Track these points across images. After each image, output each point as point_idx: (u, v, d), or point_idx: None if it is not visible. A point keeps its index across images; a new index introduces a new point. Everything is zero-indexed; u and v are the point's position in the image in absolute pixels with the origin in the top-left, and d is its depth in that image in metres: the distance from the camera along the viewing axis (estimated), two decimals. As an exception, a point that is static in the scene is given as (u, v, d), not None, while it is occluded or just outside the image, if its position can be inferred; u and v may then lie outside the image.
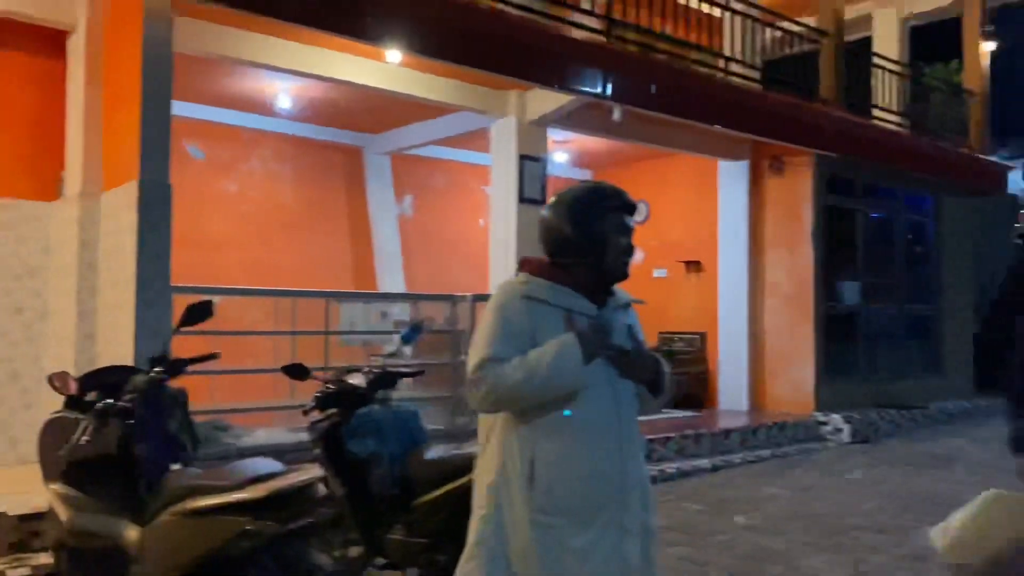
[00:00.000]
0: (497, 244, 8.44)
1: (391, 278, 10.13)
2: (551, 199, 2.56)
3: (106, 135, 6.12)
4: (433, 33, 6.52)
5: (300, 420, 4.46)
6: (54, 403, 3.57)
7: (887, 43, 12.09)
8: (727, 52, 9.23)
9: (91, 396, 3.43)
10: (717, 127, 9.18)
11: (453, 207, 11.28)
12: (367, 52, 7.08)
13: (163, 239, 5.38)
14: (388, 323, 7.15)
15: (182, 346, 4.23)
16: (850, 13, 11.25)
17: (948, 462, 8.37)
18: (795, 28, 9.98)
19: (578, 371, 2.28)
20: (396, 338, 4.80)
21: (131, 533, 3.13)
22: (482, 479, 2.43)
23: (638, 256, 11.74)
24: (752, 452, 8.65)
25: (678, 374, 10.48)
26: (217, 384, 6.89)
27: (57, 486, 3.39)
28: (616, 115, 7.98)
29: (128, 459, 3.32)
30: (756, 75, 9.60)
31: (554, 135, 9.34)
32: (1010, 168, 14.10)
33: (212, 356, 3.83)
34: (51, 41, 6.51)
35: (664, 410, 10.00)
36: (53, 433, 3.35)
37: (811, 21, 10.21)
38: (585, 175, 12.51)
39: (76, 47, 6.36)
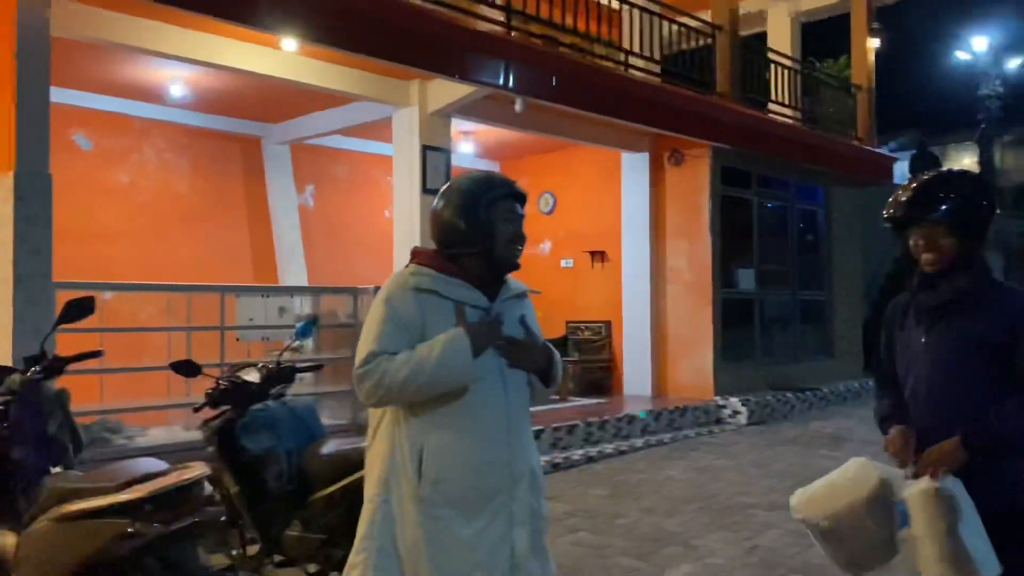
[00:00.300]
0: (401, 235, 8.38)
1: (293, 271, 9.95)
2: (441, 189, 2.53)
3: (-22, 123, 5.79)
4: (329, 21, 6.42)
5: (197, 418, 4.34)
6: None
7: (780, 39, 12.52)
8: (627, 46, 9.38)
9: (-40, 399, 3.26)
10: (618, 119, 9.34)
11: (356, 198, 11.14)
12: (262, 40, 6.91)
13: (43, 233, 5.13)
14: (289, 318, 7.02)
15: (72, 345, 4.07)
16: (744, 9, 11.61)
17: (838, 441, 8.77)
18: (692, 23, 10.22)
19: (467, 366, 2.27)
20: (293, 333, 4.72)
21: (7, 540, 3.00)
22: (371, 471, 2.42)
23: (545, 246, 11.98)
24: (654, 436, 8.87)
25: (585, 362, 10.72)
26: (109, 383, 6.64)
27: (-75, 493, 3.21)
28: (518, 107, 8.02)
29: (3, 463, 3.18)
30: (656, 69, 9.80)
31: (459, 125, 9.33)
32: (895, 160, 14.83)
33: (95, 354, 3.69)
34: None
35: (571, 398, 10.17)
36: (-81, 439, 3.17)
37: (707, 16, 10.48)
38: (491, 166, 12.53)
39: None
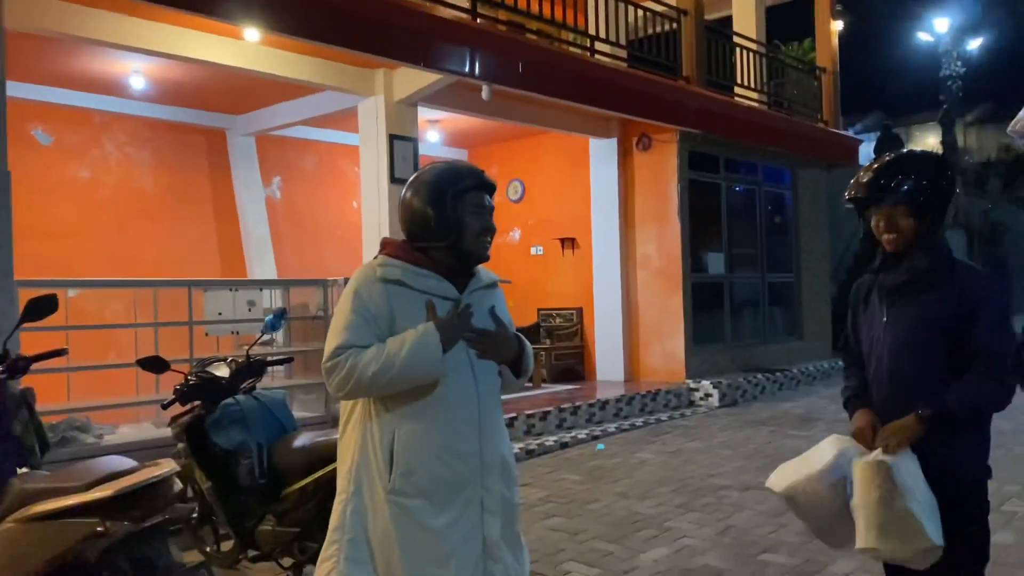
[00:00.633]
0: (370, 226, 8.34)
1: (261, 264, 9.86)
2: (409, 179, 2.50)
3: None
4: (292, 10, 6.34)
5: (168, 415, 4.30)
6: None
7: (746, 23, 12.57)
8: (592, 31, 9.38)
9: (-80, 401, 3.20)
10: (585, 105, 9.34)
11: (324, 189, 11.06)
12: (224, 30, 6.82)
13: (3, 230, 5.02)
14: (258, 311, 6.95)
15: (36, 343, 4.00)
16: (709, -8, 11.64)
17: (808, 421, 8.89)
18: (657, 7, 10.23)
19: (436, 362, 2.27)
20: (261, 326, 4.68)
21: (-27, 544, 2.95)
22: (343, 463, 2.41)
23: (514, 234, 11.97)
24: (627, 421, 8.93)
25: (557, 349, 10.74)
26: (76, 381, 6.55)
27: None
28: (485, 94, 7.99)
29: (-33, 465, 3.13)
30: (622, 54, 9.81)
31: (425, 114, 9.28)
32: (861, 142, 15.00)
33: (59, 352, 3.63)
34: None
35: (544, 385, 10.21)
36: None
37: (673, 1, 10.50)
38: (459, 154, 12.50)
39: None
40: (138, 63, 7.62)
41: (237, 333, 7.10)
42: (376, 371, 2.23)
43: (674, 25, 10.46)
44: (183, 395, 4.07)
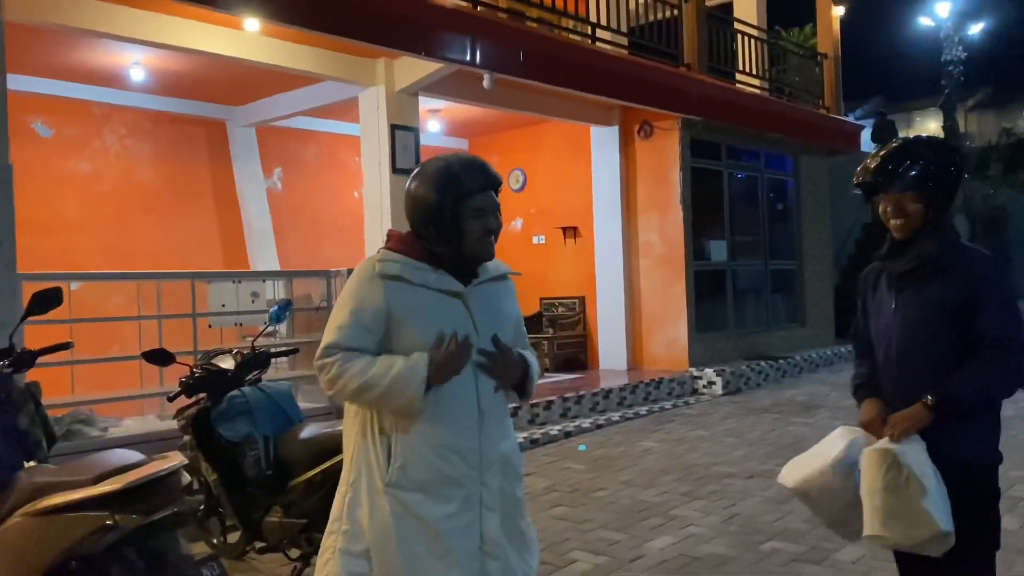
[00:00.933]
0: (372, 216, 8.32)
1: (263, 256, 9.84)
2: (414, 171, 2.45)
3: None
4: (292, 0, 6.30)
5: (173, 407, 4.30)
6: None
7: (746, 9, 12.52)
8: (593, 18, 9.33)
9: (-74, 396, 3.20)
10: (587, 93, 9.31)
11: (325, 180, 11.03)
12: (223, 21, 6.78)
13: (5, 224, 5.02)
14: (261, 303, 6.94)
15: (40, 337, 3.99)
16: (710, -21, 11.58)
17: (811, 408, 8.89)
18: (658, -6, 10.19)
19: (414, 400, 2.21)
20: (266, 318, 4.67)
21: (-18, 537, 2.95)
22: (346, 452, 2.41)
23: (516, 224, 11.95)
24: (630, 409, 8.93)
25: (559, 338, 10.73)
26: (80, 375, 6.54)
27: None
28: (486, 83, 7.95)
29: (-26, 460, 3.13)
30: (623, 41, 9.76)
31: (426, 104, 9.25)
32: (862, 128, 14.97)
33: (64, 346, 3.62)
34: None
35: (547, 374, 10.21)
36: None
37: (673, -13, 10.45)
38: (459, 144, 12.47)
39: None
40: (138, 54, 7.58)
41: (240, 325, 7.10)
42: (357, 387, 2.22)
43: (675, 12, 10.42)
44: (189, 387, 4.07)
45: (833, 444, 2.64)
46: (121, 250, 8.84)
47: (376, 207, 8.24)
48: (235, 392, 4.07)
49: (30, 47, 7.06)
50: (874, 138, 17.13)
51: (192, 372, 4.13)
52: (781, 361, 11.31)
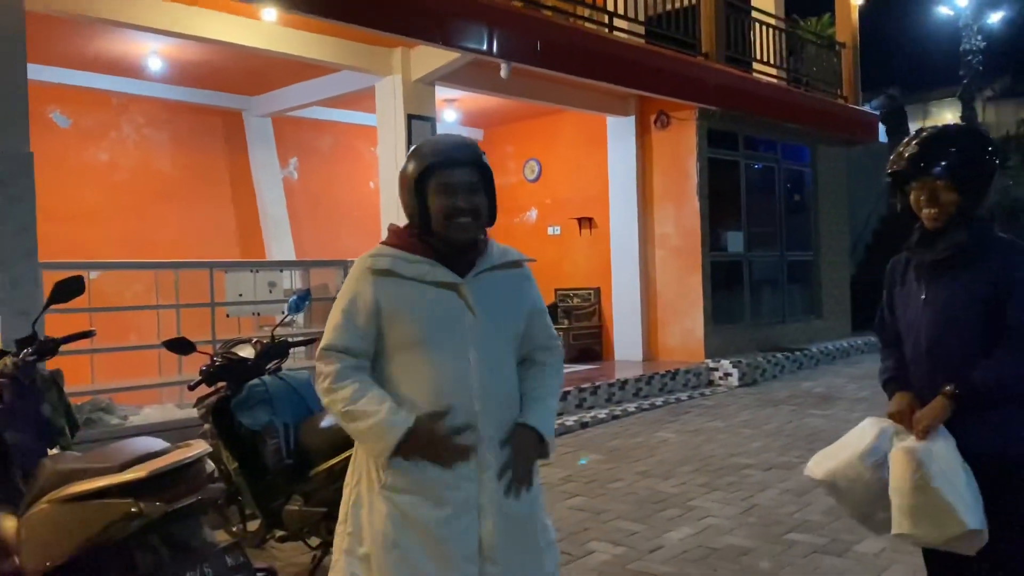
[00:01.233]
0: (388, 206, 8.31)
1: (279, 245, 9.86)
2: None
3: (-45, 102, 5.65)
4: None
5: (191, 396, 4.32)
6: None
7: (763, -3, 12.42)
8: (610, 7, 9.27)
9: (-48, 383, 3.22)
10: (603, 83, 9.26)
11: (341, 170, 11.03)
12: (241, 10, 6.78)
13: (27, 212, 5.04)
14: (278, 292, 6.96)
15: (60, 325, 4.01)
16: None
17: (828, 400, 8.84)
18: (675, -17, 10.11)
19: (381, 454, 2.17)
20: (285, 307, 4.68)
21: (7, 523, 2.98)
22: (353, 451, 2.39)
23: (531, 214, 11.93)
24: (646, 400, 8.91)
25: (575, 329, 10.72)
26: (99, 363, 6.59)
27: (-80, 480, 3.18)
28: (504, 72, 7.92)
29: (0, 446, 3.15)
30: (640, 30, 9.70)
31: (442, 93, 9.23)
32: (879, 117, 14.82)
33: (87, 334, 3.65)
34: None
35: (563, 365, 10.18)
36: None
37: (690, -24, 10.37)
38: (475, 134, 12.43)
39: (-85, 6, 5.83)
40: (156, 44, 7.59)
41: (258, 314, 7.13)
42: (341, 412, 2.21)
43: (693, 0, 10.33)
44: (209, 376, 4.08)
45: (861, 435, 2.61)
46: (138, 239, 8.87)
47: (392, 197, 8.22)
48: (255, 381, 4.08)
49: (49, 37, 7.08)
50: (888, 131, 16.97)
51: (213, 361, 4.14)
52: (797, 353, 11.25)
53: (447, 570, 2.16)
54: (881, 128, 13.92)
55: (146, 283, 7.69)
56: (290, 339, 4.61)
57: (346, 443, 3.68)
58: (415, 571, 2.16)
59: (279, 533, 4.07)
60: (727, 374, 10.02)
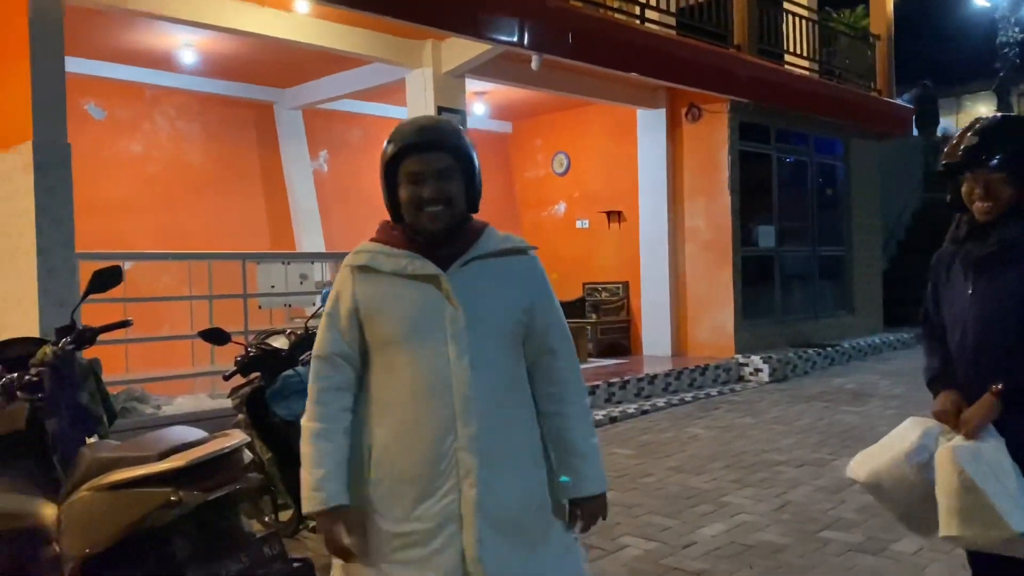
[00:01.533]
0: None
1: (309, 237, 9.91)
2: None
3: (-6, 94, 5.73)
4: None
5: (222, 386, 4.35)
6: (-46, 380, 3.36)
7: (796, -11, 12.27)
8: (642, -1, 9.21)
9: (-6, 371, 3.25)
10: (634, 75, 9.19)
11: (371, 163, 10.95)
12: (274, 2, 6.81)
13: (64, 203, 5.11)
14: (309, 284, 6.99)
15: (94, 315, 4.05)
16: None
17: (861, 396, 8.73)
18: (708, -26, 10.02)
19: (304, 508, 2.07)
20: (318, 299, 4.70)
21: (47, 511, 3.01)
22: None
23: (559, 208, 11.89)
24: (675, 395, 8.86)
25: (603, 324, 10.67)
26: (133, 353, 6.66)
27: (-37, 467, 3.22)
28: (535, 64, 7.89)
29: (39, 435, 3.19)
30: (672, 22, 9.62)
31: (471, 86, 9.20)
32: (913, 111, 14.60)
33: (124, 323, 3.67)
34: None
35: (590, 359, 10.16)
36: (-45, 411, 3.17)
37: (723, -33, 10.26)
38: (503, 127, 12.43)
39: (-45, 0, 5.92)
40: (189, 36, 7.64)
41: (289, 306, 7.16)
42: (301, 432, 2.15)
43: (725, -9, 10.24)
44: (244, 366, 4.10)
45: (905, 435, 2.55)
46: (170, 230, 8.95)
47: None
48: (289, 372, 4.09)
49: (85, 29, 7.14)
50: (919, 125, 16.73)
51: (247, 352, 4.16)
52: (829, 349, 11.13)
53: None
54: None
55: (178, 274, 7.76)
56: (323, 330, 4.62)
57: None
58: None
59: (311, 524, 4.08)
60: (757, 370, 9.93)
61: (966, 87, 29.92)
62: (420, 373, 2.00)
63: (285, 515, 4.31)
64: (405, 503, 2.00)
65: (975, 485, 2.27)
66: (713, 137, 10.36)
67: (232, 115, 9.80)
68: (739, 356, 10.10)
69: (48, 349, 3.25)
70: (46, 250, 5.03)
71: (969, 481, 2.28)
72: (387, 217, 2.22)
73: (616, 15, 9.08)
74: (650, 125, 10.74)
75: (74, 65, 7.53)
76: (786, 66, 11.22)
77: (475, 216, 2.18)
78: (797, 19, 11.49)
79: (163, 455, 2.72)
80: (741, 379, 9.97)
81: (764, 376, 9.86)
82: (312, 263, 7.19)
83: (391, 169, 2.09)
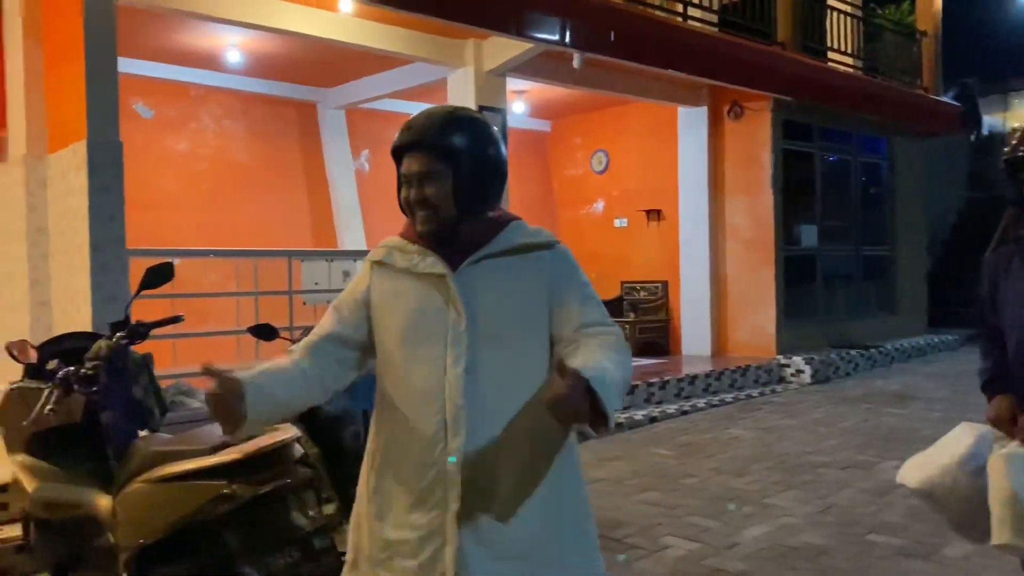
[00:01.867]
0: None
1: (351, 235, 10.00)
2: None
3: (49, 94, 5.87)
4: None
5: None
6: (12, 373, 3.46)
7: (841, -15, 12.08)
8: (685, -4, 9.15)
9: (52, 364, 3.33)
10: (676, 72, 9.13)
11: (411, 161, 11.09)
12: (319, 2, 6.88)
13: (116, 200, 5.21)
14: (352, 281, 7.06)
15: (143, 310, 4.13)
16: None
17: (904, 399, 8.59)
18: (751, -29, 9.92)
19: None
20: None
21: (101, 501, 3.07)
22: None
23: (598, 206, 11.85)
24: (716, 396, 8.79)
25: (641, 323, 10.62)
26: (179, 348, 6.77)
27: (21, 457, 3.31)
28: (577, 62, 7.88)
29: (94, 427, 3.26)
30: (714, 19, 9.54)
31: (512, 85, 9.21)
32: (960, 109, 14.29)
33: (176, 319, 3.73)
34: (-16, -4, 6.22)
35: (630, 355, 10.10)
36: (14, 403, 3.26)
37: (767, -37, 10.15)
38: (543, 125, 12.43)
39: (12, 1, 6.07)
40: (235, 37, 7.75)
41: (331, 303, 7.22)
42: None
43: (768, -12, 10.13)
44: (291, 362, 4.13)
45: (957, 441, 2.51)
46: (215, 227, 9.09)
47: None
48: (335, 367, 4.12)
49: (134, 30, 7.28)
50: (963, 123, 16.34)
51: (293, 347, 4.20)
52: (872, 350, 10.96)
53: None
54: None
55: (224, 270, 7.88)
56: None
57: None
58: None
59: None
60: (799, 371, 9.82)
61: (1013, 84, 29.23)
62: (416, 376, 1.90)
63: (329, 509, 4.35)
64: (399, 509, 1.92)
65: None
66: (755, 135, 10.26)
67: (276, 114, 9.92)
68: (780, 357, 9.99)
69: (103, 344, 3.32)
70: (99, 246, 5.14)
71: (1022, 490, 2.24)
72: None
73: (657, 13, 9.02)
74: (691, 123, 10.66)
75: (123, 65, 7.67)
76: (829, 63, 11.06)
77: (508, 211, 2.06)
78: (841, 15, 11.33)
79: (216, 449, 2.77)
80: (782, 380, 9.86)
81: (806, 377, 9.75)
82: (355, 261, 7.25)
83: (397, 165, 2.02)
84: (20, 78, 5.94)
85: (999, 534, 2.31)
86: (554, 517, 1.89)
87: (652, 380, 8.45)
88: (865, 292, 12.14)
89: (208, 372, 1.80)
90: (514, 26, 7.22)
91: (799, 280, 10.78)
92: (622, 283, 11.41)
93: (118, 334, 3.39)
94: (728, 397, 8.78)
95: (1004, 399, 2.47)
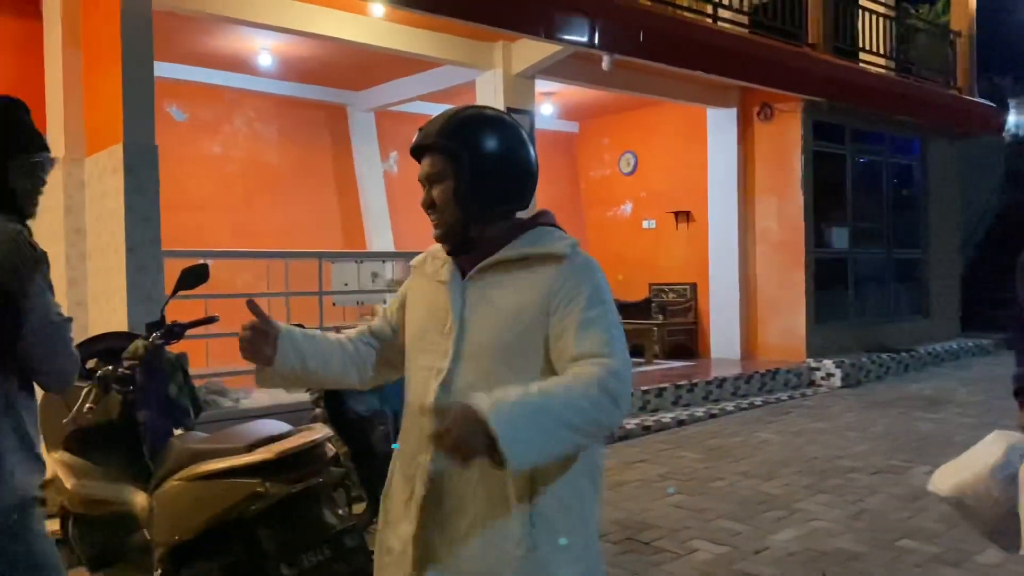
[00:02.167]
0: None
1: (380, 236, 10.07)
2: None
3: (87, 97, 5.98)
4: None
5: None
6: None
7: (873, -15, 11.96)
8: (714, -2, 9.11)
9: (90, 364, 3.39)
10: (705, 74, 9.09)
11: (440, 164, 11.14)
12: (350, 5, 6.94)
13: (151, 202, 5.30)
14: (380, 283, 7.11)
15: (176, 310, 4.19)
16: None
17: (937, 403, 8.48)
18: (782, -29, 9.85)
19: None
20: (391, 297, 4.77)
21: (138, 498, 3.13)
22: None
23: (626, 208, 11.83)
24: (745, 399, 8.73)
25: (669, 325, 10.57)
26: (212, 348, 6.86)
27: (60, 454, 3.38)
28: (606, 64, 7.88)
29: (130, 425, 3.32)
30: (744, 20, 9.49)
31: (539, 86, 9.23)
32: (995, 110, 14.09)
33: (211, 319, 3.79)
34: (26, 1, 6.33)
35: (656, 361, 10.09)
36: (54, 402, 3.33)
37: (798, -36, 10.08)
38: (570, 127, 12.43)
39: (52, 6, 6.19)
40: (267, 41, 7.84)
41: (360, 303, 7.29)
42: None
43: (799, -11, 10.06)
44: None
45: (989, 449, 2.49)
46: (247, 228, 9.19)
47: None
48: (365, 368, 4.16)
49: (169, 34, 7.38)
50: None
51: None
52: (904, 354, 10.84)
53: None
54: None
55: (255, 271, 7.97)
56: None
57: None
58: None
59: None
60: (829, 374, 9.73)
61: (1050, 84, 28.71)
62: (413, 384, 1.89)
63: (358, 508, 4.39)
64: (391, 515, 1.90)
65: None
66: (786, 137, 10.18)
67: (307, 117, 10.02)
68: (811, 360, 9.91)
69: (140, 344, 3.38)
70: (135, 247, 5.23)
71: None
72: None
73: (686, 14, 8.99)
74: (721, 124, 10.61)
75: (158, 69, 7.79)
76: (861, 64, 10.96)
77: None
78: (874, 16, 11.22)
79: (250, 447, 2.82)
80: (812, 384, 9.78)
81: (836, 381, 9.66)
82: (383, 262, 7.32)
83: None
84: (59, 82, 6.05)
85: None
86: (526, 547, 1.70)
87: (680, 383, 8.42)
88: (897, 295, 11.99)
89: (251, 307, 1.88)
90: (543, 28, 7.23)
91: (830, 283, 10.67)
92: (650, 285, 11.37)
93: (154, 334, 3.45)
94: (757, 400, 8.72)
95: None
